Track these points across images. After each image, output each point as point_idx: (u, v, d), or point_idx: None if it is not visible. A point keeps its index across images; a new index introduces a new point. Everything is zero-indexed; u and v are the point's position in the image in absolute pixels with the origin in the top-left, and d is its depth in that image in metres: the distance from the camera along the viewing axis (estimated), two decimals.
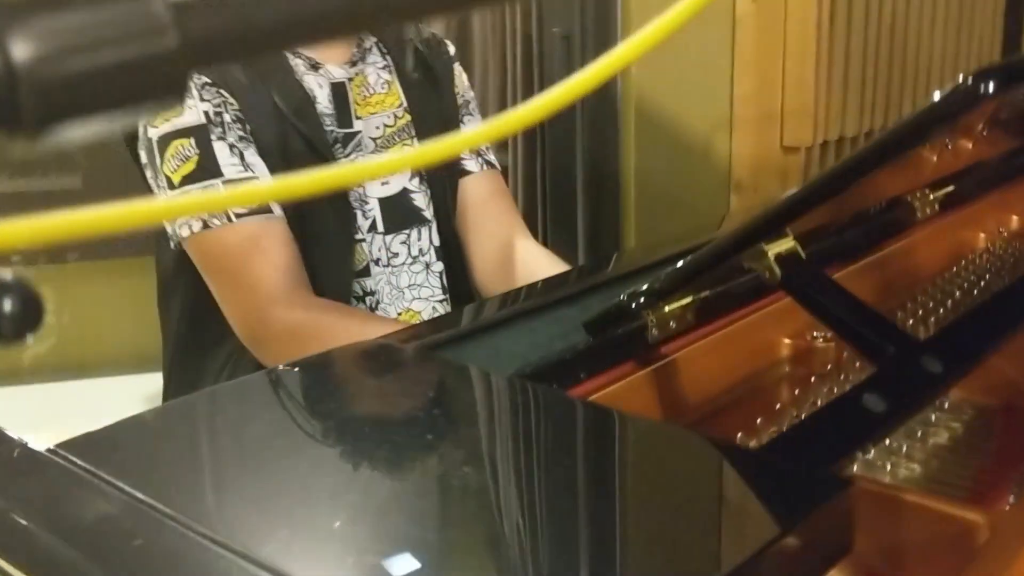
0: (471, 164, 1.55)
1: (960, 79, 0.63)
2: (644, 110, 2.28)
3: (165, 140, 1.31)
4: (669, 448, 0.65)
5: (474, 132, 0.41)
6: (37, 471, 0.62)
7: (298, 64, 1.39)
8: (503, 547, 0.55)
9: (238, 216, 1.30)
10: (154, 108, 0.28)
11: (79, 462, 0.63)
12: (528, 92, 2.40)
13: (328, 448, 0.64)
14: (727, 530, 0.56)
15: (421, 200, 1.48)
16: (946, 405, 1.04)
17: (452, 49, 1.59)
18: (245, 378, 0.76)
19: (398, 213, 1.46)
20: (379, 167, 0.56)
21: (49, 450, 0.64)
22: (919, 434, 1.00)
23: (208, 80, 1.31)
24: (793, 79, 2.32)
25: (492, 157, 1.59)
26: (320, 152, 1.36)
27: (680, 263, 0.81)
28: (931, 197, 1.22)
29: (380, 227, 1.44)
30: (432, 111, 1.50)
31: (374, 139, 1.45)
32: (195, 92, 1.31)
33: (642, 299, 0.82)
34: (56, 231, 0.36)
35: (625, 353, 0.87)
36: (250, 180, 1.30)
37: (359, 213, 1.42)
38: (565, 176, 2.31)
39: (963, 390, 1.05)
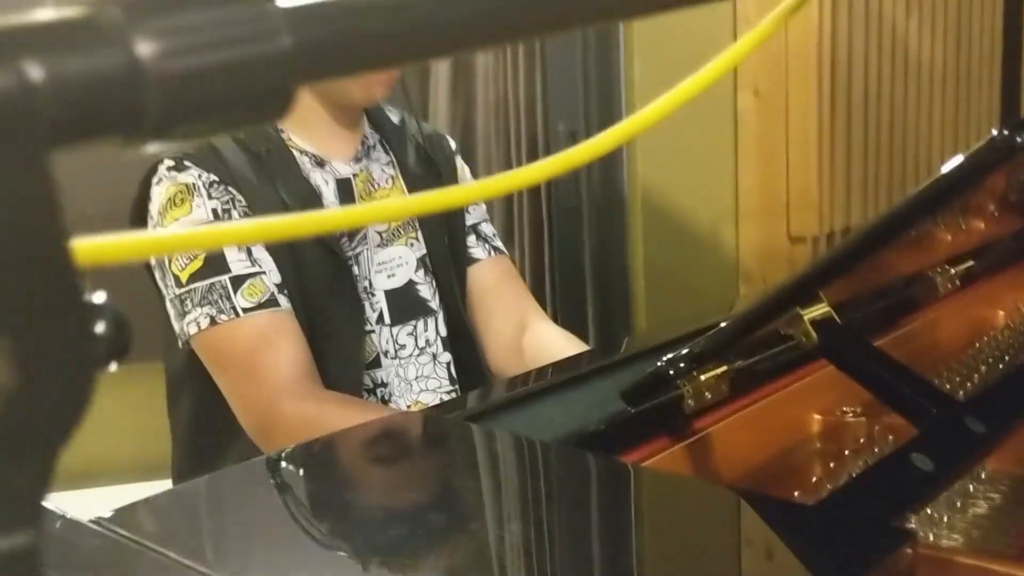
0: (478, 251, 1.56)
1: (993, 133, 0.64)
2: (650, 202, 2.31)
3: None
4: (730, 509, 0.64)
5: (473, 186, 0.41)
6: (81, 541, 0.61)
7: (304, 161, 1.42)
8: None
9: (245, 311, 1.30)
10: (260, 115, 0.28)
11: (121, 531, 0.62)
12: (532, 189, 2.44)
13: (380, 510, 0.63)
14: None
15: (427, 291, 1.49)
16: (983, 475, 1.03)
17: (453, 144, 1.62)
18: (282, 450, 0.75)
19: (404, 305, 1.46)
20: (371, 212, 0.57)
21: (92, 521, 0.63)
22: (958, 504, 0.99)
23: (216, 178, 1.33)
24: (796, 170, 2.36)
25: (499, 243, 1.60)
26: (328, 245, 1.37)
27: (718, 329, 0.81)
28: (951, 272, 1.23)
29: (387, 319, 1.44)
30: None
31: (380, 232, 1.47)
32: (203, 190, 1.33)
33: (681, 364, 0.82)
34: (139, 249, 0.36)
35: (662, 425, 0.86)
36: (257, 275, 1.31)
37: (366, 305, 1.43)
38: (574, 269, 2.32)
39: (999, 461, 1.04)
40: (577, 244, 2.33)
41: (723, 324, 0.81)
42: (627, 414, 0.85)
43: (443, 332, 1.50)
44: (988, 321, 1.41)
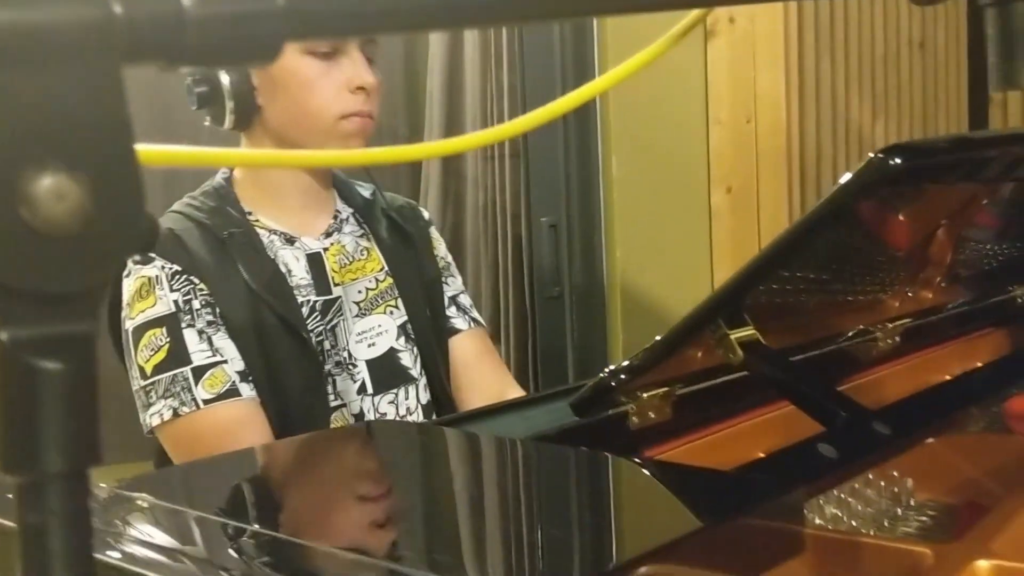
0: (459, 322, 1.64)
1: (871, 154, 0.79)
2: (629, 292, 2.46)
3: (139, 331, 1.39)
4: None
5: (465, 138, 0.54)
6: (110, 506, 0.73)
7: (273, 239, 1.48)
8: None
9: (207, 403, 1.35)
10: (258, 57, 0.42)
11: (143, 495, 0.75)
12: (516, 280, 2.59)
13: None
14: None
15: (408, 359, 1.54)
16: (912, 502, 1.15)
17: (427, 215, 1.70)
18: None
19: (386, 374, 1.51)
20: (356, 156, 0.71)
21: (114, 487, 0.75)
22: (886, 524, 1.10)
23: (178, 268, 1.40)
24: None
25: (477, 314, 1.68)
26: (292, 326, 1.43)
27: (653, 343, 0.95)
28: (890, 327, 1.37)
29: (369, 388, 1.49)
30: (413, 273, 1.60)
31: (357, 303, 1.52)
32: (165, 282, 1.39)
33: (622, 376, 0.95)
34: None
35: (607, 436, 0.99)
36: (218, 365, 1.36)
37: (348, 376, 1.48)
38: (557, 356, 2.45)
39: (927, 491, 1.16)
40: (559, 333, 2.47)
41: (658, 338, 0.95)
42: (574, 423, 0.98)
43: (423, 400, 1.54)
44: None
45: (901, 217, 1.30)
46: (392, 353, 1.53)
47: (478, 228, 2.79)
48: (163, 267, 1.40)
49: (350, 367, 1.49)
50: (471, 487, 0.74)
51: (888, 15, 2.68)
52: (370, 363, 1.51)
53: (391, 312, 1.55)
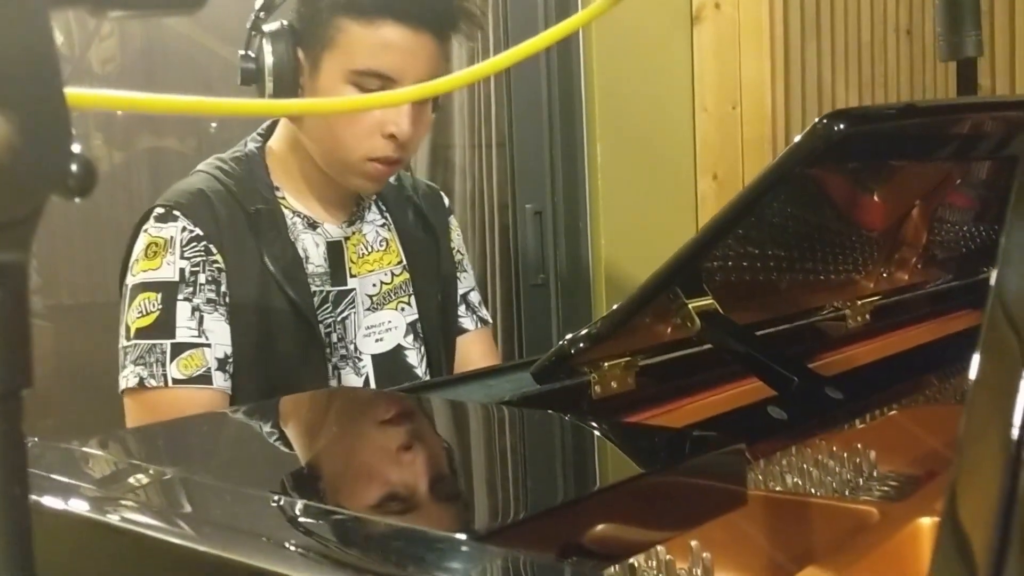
0: (467, 322, 1.64)
1: (816, 120, 0.82)
2: (614, 282, 2.49)
3: (136, 290, 1.39)
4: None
5: (457, 74, 0.57)
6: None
7: (296, 222, 1.47)
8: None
9: (175, 382, 1.33)
10: (177, 9, 0.45)
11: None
12: (504, 266, 2.62)
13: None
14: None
15: (414, 357, 1.54)
16: (874, 474, 1.18)
17: (447, 202, 1.69)
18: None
19: (391, 370, 1.50)
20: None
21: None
22: (847, 494, 1.13)
23: (200, 232, 1.38)
24: None
25: (485, 312, 1.68)
26: (303, 315, 1.41)
27: (611, 311, 0.97)
28: (859, 305, 1.39)
29: (372, 384, 1.48)
30: (431, 267, 1.58)
31: (370, 296, 1.51)
32: (178, 247, 1.38)
33: (581, 344, 0.97)
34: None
35: (567, 406, 1.01)
36: (199, 347, 1.36)
37: (351, 370, 1.48)
38: (542, 342, 2.48)
39: (889, 463, 1.19)
40: (545, 320, 2.50)
41: (616, 306, 0.97)
42: (535, 390, 1.00)
43: None
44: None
45: (874, 196, 1.33)
46: (399, 350, 1.53)
47: (466, 218, 2.82)
48: (183, 228, 1.39)
49: (355, 360, 1.49)
50: (417, 442, 0.77)
51: (875, 1, 2.71)
52: (376, 358, 1.50)
53: (402, 309, 1.54)
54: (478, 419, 0.84)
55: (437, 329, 1.57)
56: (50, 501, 0.64)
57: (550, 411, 0.85)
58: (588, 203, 2.47)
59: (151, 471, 0.71)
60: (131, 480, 0.69)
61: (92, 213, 1.59)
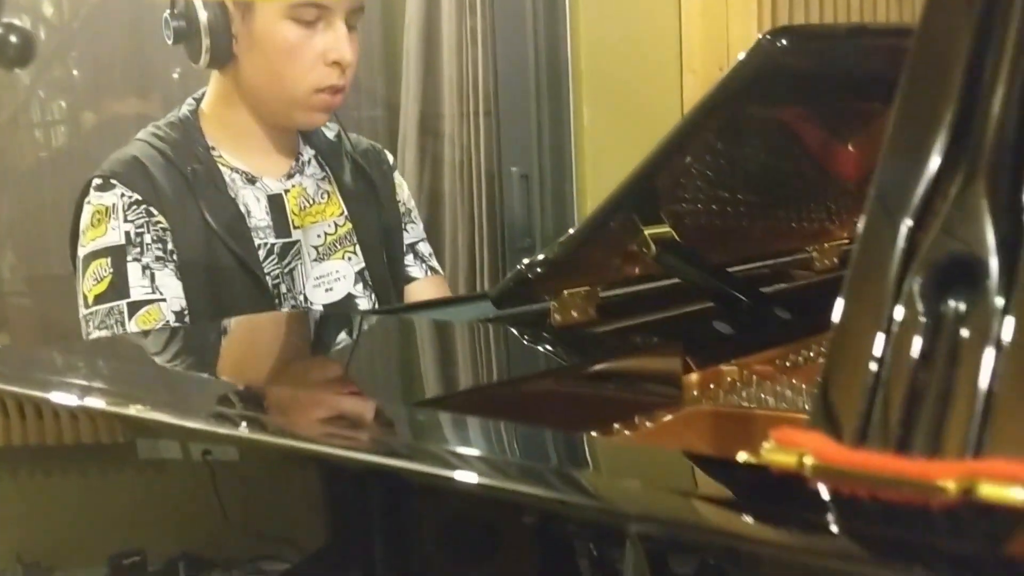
0: (416, 270, 1.70)
1: (759, 36, 0.86)
2: None
3: (87, 259, 1.46)
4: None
5: None
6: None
7: (235, 178, 1.53)
8: None
9: None
10: None
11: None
12: (490, 232, 2.66)
13: None
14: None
15: (364, 305, 1.59)
16: (804, 387, 1.21)
17: (391, 158, 1.75)
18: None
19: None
20: None
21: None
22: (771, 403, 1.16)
23: (139, 197, 1.45)
24: None
25: (436, 263, 1.74)
26: (249, 268, 1.48)
27: (566, 236, 1.01)
28: (827, 247, 1.43)
29: None
30: (373, 219, 1.65)
31: (316, 247, 1.58)
32: (120, 212, 1.45)
33: (539, 269, 1.01)
34: None
35: (525, 329, 1.05)
36: (155, 303, 1.42)
37: None
38: None
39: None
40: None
41: (571, 230, 1.01)
42: (493, 314, 1.04)
43: None
44: None
45: (849, 147, 1.36)
46: (349, 299, 1.59)
47: (455, 186, 2.85)
48: (122, 195, 1.45)
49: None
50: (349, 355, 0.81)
51: None
52: (327, 308, 1.56)
53: (349, 258, 1.60)
54: (415, 333, 0.88)
55: (385, 277, 1.64)
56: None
57: (496, 323, 0.89)
58: (574, 167, 2.51)
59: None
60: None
61: (65, 182, 1.63)
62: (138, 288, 1.42)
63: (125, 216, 1.45)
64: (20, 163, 2.56)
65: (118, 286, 1.42)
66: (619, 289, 1.16)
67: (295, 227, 1.57)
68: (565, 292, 1.08)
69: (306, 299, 1.55)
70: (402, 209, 1.72)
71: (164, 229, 1.45)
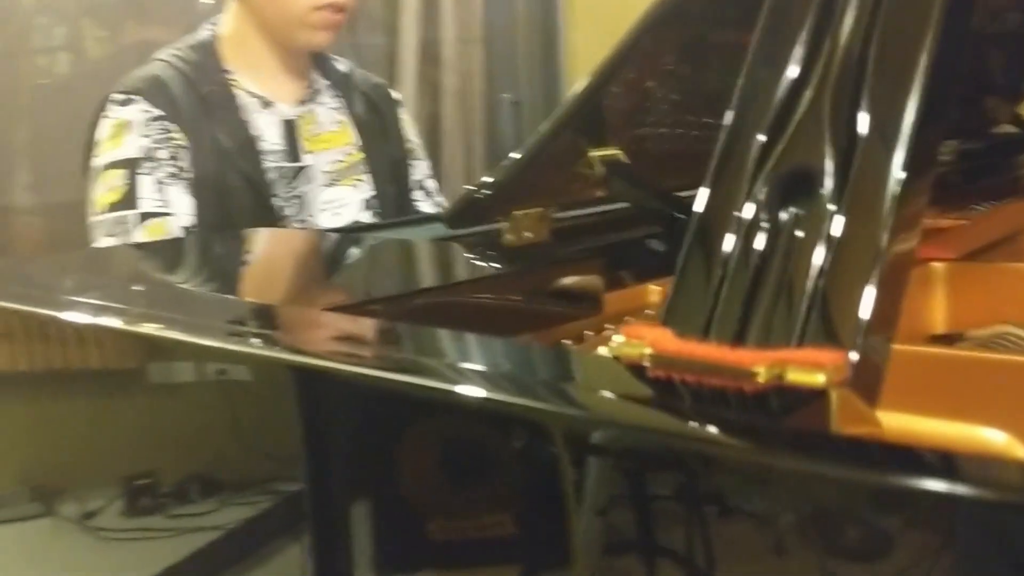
0: (425, 205, 1.76)
1: None
2: None
3: (103, 169, 1.51)
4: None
5: None
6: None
7: (252, 102, 1.60)
8: None
9: None
10: None
11: None
12: (486, 154, 2.70)
13: None
14: None
15: None
16: None
17: (397, 95, 1.82)
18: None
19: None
20: None
21: None
22: None
23: (160, 113, 1.51)
24: None
25: (442, 199, 1.80)
26: (257, 189, 1.55)
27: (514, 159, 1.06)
28: None
29: None
30: (382, 151, 1.72)
31: (327, 172, 1.64)
32: (139, 127, 1.50)
33: (485, 190, 1.06)
34: None
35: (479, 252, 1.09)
36: (163, 216, 1.48)
37: None
38: None
39: None
40: None
41: (519, 150, 1.06)
42: (445, 234, 1.09)
43: None
44: None
45: None
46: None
47: (453, 113, 2.89)
48: (143, 110, 1.51)
49: None
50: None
51: None
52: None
53: (357, 185, 1.67)
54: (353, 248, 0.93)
55: (393, 207, 1.69)
56: None
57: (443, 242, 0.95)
58: (566, 91, 2.54)
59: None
60: None
61: (82, 106, 1.68)
62: (148, 200, 1.48)
63: (143, 131, 1.51)
64: (43, 86, 2.59)
65: (130, 196, 1.48)
66: (580, 211, 1.20)
67: (306, 152, 1.63)
68: (516, 213, 1.13)
69: (314, 223, 1.60)
70: (409, 146, 1.78)
71: (180, 147, 1.51)
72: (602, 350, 0.53)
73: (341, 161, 1.67)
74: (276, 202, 1.58)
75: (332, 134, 1.67)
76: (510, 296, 0.79)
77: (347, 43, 2.58)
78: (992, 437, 0.79)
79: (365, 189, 1.67)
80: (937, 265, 1.18)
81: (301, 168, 1.62)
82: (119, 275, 1.02)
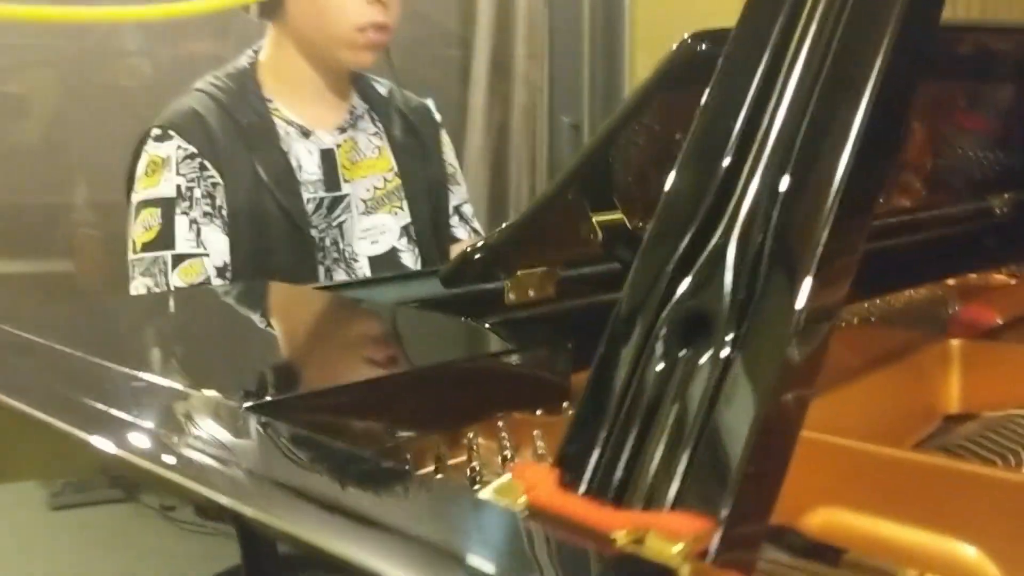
0: (460, 232, 1.77)
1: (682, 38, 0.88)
2: None
3: (139, 206, 1.55)
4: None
5: None
6: None
7: (290, 131, 1.61)
8: None
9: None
10: None
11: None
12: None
13: None
14: None
15: (409, 259, 1.67)
16: None
17: (438, 117, 1.82)
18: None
19: (386, 271, 1.62)
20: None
21: None
22: None
23: (194, 151, 1.53)
24: None
25: (478, 224, 1.81)
26: (295, 222, 1.57)
27: (517, 217, 1.05)
28: None
29: None
30: (420, 175, 1.72)
31: (364, 200, 1.66)
32: (174, 165, 1.53)
33: (486, 248, 1.06)
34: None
35: (475, 308, 1.09)
36: (198, 257, 1.51)
37: (343, 272, 1.62)
38: None
39: None
40: None
41: (516, 216, 1.05)
42: (442, 293, 1.09)
43: None
44: None
45: None
46: (394, 252, 1.67)
47: (521, 127, 2.89)
48: (178, 147, 1.54)
49: (352, 262, 1.62)
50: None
51: None
52: (372, 260, 1.65)
53: (396, 213, 1.68)
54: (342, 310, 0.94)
55: (429, 233, 1.70)
56: None
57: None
58: None
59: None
60: None
61: (137, 117, 1.72)
62: (184, 241, 1.51)
63: (178, 169, 1.53)
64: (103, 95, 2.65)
65: (165, 236, 1.51)
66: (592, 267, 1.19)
67: (345, 180, 1.65)
68: (520, 273, 1.12)
69: (353, 251, 1.62)
70: (449, 169, 1.78)
71: (215, 184, 1.54)
72: (483, 492, 0.52)
73: (379, 188, 1.68)
74: (314, 232, 1.59)
75: (371, 161, 1.68)
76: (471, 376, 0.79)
77: (426, 55, 2.60)
78: (964, 552, 0.78)
79: (403, 216, 1.68)
80: (955, 342, 1.15)
81: (341, 198, 1.63)
82: None
